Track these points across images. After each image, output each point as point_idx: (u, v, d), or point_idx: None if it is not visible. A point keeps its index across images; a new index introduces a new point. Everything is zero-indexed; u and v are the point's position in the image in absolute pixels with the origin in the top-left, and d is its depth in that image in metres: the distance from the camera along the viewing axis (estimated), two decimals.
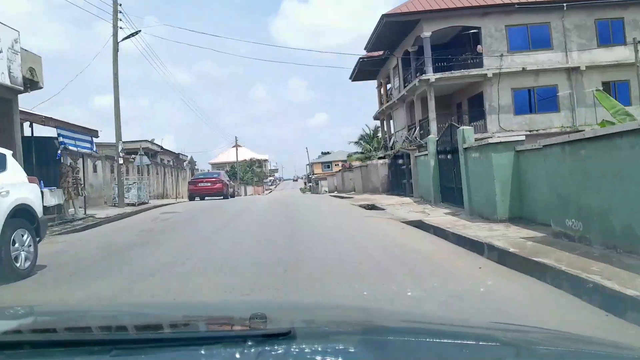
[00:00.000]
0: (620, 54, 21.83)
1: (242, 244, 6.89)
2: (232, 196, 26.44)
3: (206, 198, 23.61)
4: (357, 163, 32.35)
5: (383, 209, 15.21)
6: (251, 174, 75.66)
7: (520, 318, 3.33)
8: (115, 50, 17.89)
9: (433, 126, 21.79)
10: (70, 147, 12.63)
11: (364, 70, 31.26)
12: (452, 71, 21.93)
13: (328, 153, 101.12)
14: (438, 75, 21.72)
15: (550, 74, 22.14)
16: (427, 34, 21.96)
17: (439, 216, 11.81)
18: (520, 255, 5.96)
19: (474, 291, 4.43)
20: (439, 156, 14.87)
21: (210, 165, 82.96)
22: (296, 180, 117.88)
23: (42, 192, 12.12)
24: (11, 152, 6.64)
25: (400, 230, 9.38)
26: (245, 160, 77.29)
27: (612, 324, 3.39)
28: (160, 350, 1.08)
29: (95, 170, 18.65)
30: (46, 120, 11.39)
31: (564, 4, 21.74)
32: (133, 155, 22.15)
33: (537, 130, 21.14)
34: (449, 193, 13.91)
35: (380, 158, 30.79)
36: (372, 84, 35.34)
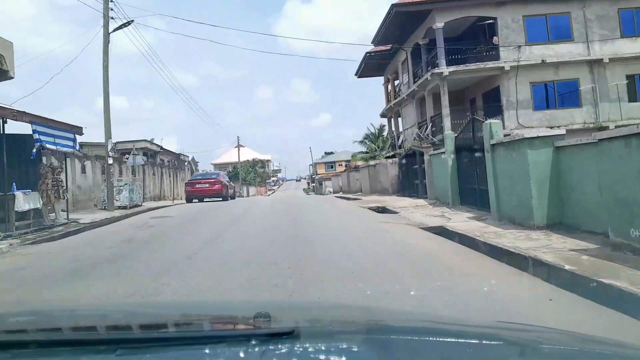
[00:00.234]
0: None
1: (233, 271, 5.42)
2: (232, 197, 25.00)
3: (205, 200, 22.28)
4: (363, 163, 30.96)
5: (396, 212, 13.86)
6: (254, 174, 74.54)
7: None
8: (106, 41, 16.58)
9: (447, 122, 20.43)
10: (49, 145, 11.28)
11: (370, 66, 29.88)
12: (467, 64, 20.52)
13: (331, 153, 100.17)
14: (452, 68, 20.31)
15: (571, 66, 20.73)
16: (439, 24, 20.56)
17: (462, 221, 10.58)
18: (581, 275, 4.70)
19: None
20: (458, 154, 13.59)
21: (213, 165, 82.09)
22: (299, 181, 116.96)
23: (14, 196, 11.02)
24: None
25: (426, 240, 7.99)
26: (248, 160, 76.23)
27: None
28: (165, 349, 1.08)
29: (83, 170, 17.32)
30: (19, 115, 10.03)
31: None
32: (127, 155, 20.80)
33: (558, 127, 19.77)
34: (470, 195, 12.66)
35: (388, 157, 29.45)
36: (378, 82, 33.98)
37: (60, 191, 12.41)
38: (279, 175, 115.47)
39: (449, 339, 1.22)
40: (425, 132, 21.25)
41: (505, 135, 10.31)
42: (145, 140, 39.12)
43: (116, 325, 1.52)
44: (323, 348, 1.08)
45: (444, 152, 14.60)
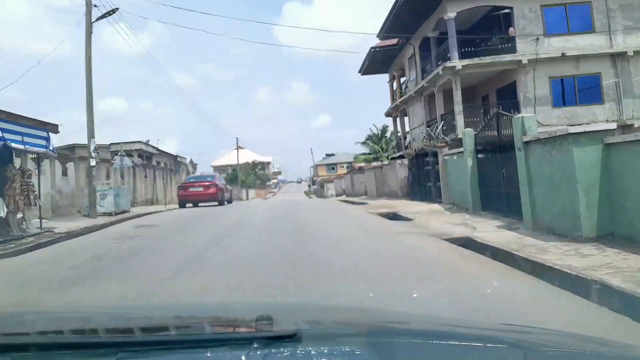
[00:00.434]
0: None
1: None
2: (229, 202, 23.42)
3: (200, 204, 20.76)
4: (369, 164, 29.49)
5: (409, 219, 12.42)
6: (253, 176, 73.11)
7: None
8: (89, 31, 15.13)
9: (459, 120, 18.93)
10: (15, 145, 9.81)
11: (375, 62, 28.40)
12: (482, 57, 19.01)
13: (332, 155, 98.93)
14: (465, 61, 18.78)
15: (592, 60, 19.21)
16: (451, 14, 19.05)
17: (491, 231, 9.20)
18: None
19: None
20: (479, 154, 12.19)
21: (212, 167, 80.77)
22: (300, 183, 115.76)
23: None
24: None
25: (458, 258, 6.53)
26: (248, 162, 74.75)
27: None
28: (166, 352, 1.07)
29: (65, 173, 15.83)
30: None
31: None
32: (115, 157, 19.33)
33: (579, 125, 18.31)
34: (494, 199, 11.29)
35: (393, 158, 28.02)
36: (381, 81, 32.47)
37: (31, 197, 10.95)
38: (279, 177, 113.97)
39: (451, 342, 1.22)
40: (437, 131, 19.74)
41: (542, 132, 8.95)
42: (140, 142, 37.67)
43: (117, 328, 1.50)
44: (326, 351, 1.07)
45: (461, 152, 13.18)
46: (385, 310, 2.88)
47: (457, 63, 18.73)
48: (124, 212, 16.35)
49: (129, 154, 35.67)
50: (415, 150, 18.82)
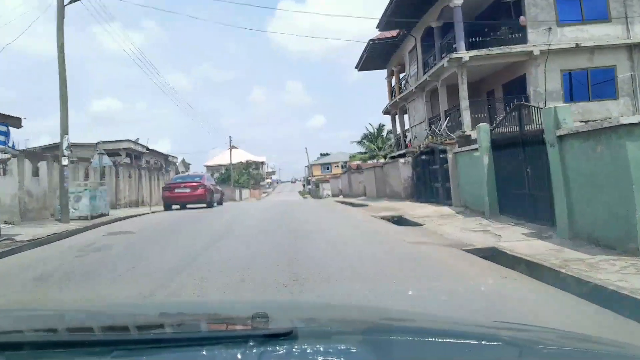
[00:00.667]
0: None
1: None
2: (220, 203, 21.90)
3: (187, 206, 19.28)
4: (367, 163, 28.13)
5: (418, 224, 11.10)
6: (247, 176, 71.59)
7: None
8: (61, 16, 13.66)
9: (466, 116, 17.61)
10: None
11: (373, 57, 27.01)
12: (490, 48, 17.67)
13: (327, 154, 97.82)
14: (473, 52, 17.43)
15: (607, 51, 17.92)
16: (457, 2, 17.71)
17: (519, 240, 7.95)
18: None
19: None
20: (496, 151, 10.88)
21: (206, 167, 79.08)
22: (294, 183, 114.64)
23: None
24: None
25: (500, 280, 5.17)
26: (241, 162, 73.19)
27: None
28: (162, 350, 1.05)
29: (36, 173, 14.35)
30: None
31: None
32: (94, 155, 17.83)
33: (593, 122, 17.03)
34: (516, 202, 10.04)
35: (393, 157, 26.70)
36: (379, 79, 31.06)
37: None
38: (274, 177, 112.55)
39: (448, 340, 1.19)
40: (442, 127, 18.39)
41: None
42: (129, 140, 36.15)
43: (112, 326, 1.47)
44: (321, 349, 1.05)
45: (475, 149, 11.86)
46: (381, 308, 2.82)
47: (464, 54, 17.39)
48: (102, 215, 14.89)
49: (116, 152, 34.17)
50: (419, 148, 17.45)
